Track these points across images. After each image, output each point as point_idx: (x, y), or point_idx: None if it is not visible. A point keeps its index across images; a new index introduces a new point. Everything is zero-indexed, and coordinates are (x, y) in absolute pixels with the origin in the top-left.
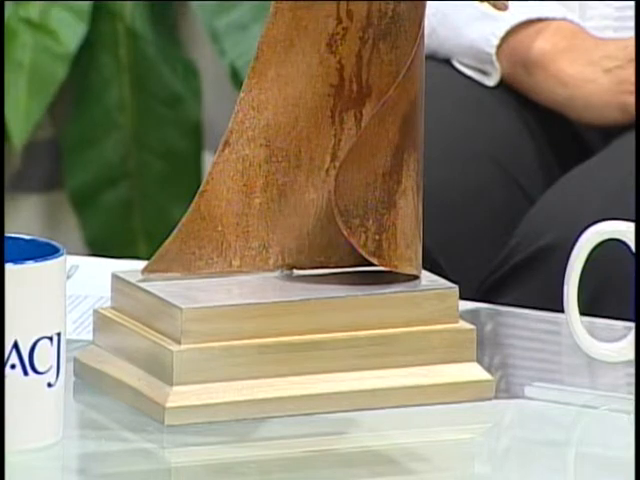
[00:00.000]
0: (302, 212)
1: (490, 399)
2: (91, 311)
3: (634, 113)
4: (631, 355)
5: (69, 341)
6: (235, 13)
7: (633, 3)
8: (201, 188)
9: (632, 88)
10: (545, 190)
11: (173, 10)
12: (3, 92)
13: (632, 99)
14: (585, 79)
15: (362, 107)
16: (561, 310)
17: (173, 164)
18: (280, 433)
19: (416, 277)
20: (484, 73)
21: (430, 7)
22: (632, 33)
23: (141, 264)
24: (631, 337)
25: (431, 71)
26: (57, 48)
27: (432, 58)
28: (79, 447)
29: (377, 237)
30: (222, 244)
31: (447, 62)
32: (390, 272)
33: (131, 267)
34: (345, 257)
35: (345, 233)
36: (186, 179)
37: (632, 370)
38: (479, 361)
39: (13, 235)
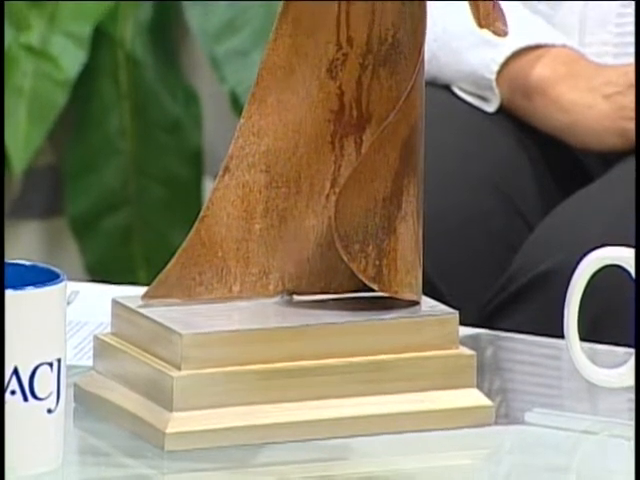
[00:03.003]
0: (302, 238)
1: (490, 425)
2: (91, 337)
3: (634, 139)
4: (630, 381)
5: (69, 367)
6: (235, 39)
7: (632, 29)
8: (201, 214)
9: (632, 114)
10: (545, 216)
11: (173, 37)
12: (3, 118)
13: (632, 125)
14: (585, 105)
15: (362, 133)
16: (561, 336)
17: (173, 190)
18: (279, 459)
19: (416, 303)
20: (484, 99)
21: (430, 33)
22: (631, 59)
23: (141, 290)
24: (631, 363)
25: (431, 97)
26: (57, 74)
27: (432, 84)
28: (79, 473)
29: (377, 263)
30: (222, 270)
31: (447, 88)
32: (390, 298)
33: (131, 293)
34: (345, 283)
35: (345, 259)
36: (186, 205)
37: (632, 396)
38: (479, 386)
39: (13, 261)
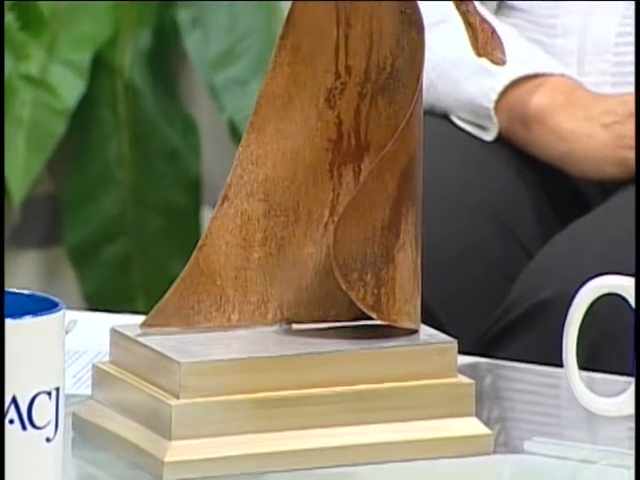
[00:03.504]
0: (301, 266)
1: (489, 454)
2: (90, 366)
3: (632, 168)
4: (630, 410)
5: (68, 396)
6: (234, 68)
7: (630, 59)
8: (200, 242)
9: (630, 143)
10: (544, 245)
11: (172, 66)
12: (3, 148)
13: (630, 154)
14: (583, 134)
15: (360, 161)
16: (560, 364)
17: (172, 219)
18: None
19: (415, 331)
20: (482, 128)
21: (429, 62)
22: (630, 88)
23: (140, 319)
24: (630, 392)
25: (429, 126)
26: (56, 104)
27: (430, 113)
28: None
29: (376, 291)
30: (221, 298)
31: (445, 117)
32: (389, 326)
33: (130, 321)
34: (344, 311)
35: (344, 287)
36: (185, 234)
37: (632, 424)
38: (478, 415)
39: (12, 290)
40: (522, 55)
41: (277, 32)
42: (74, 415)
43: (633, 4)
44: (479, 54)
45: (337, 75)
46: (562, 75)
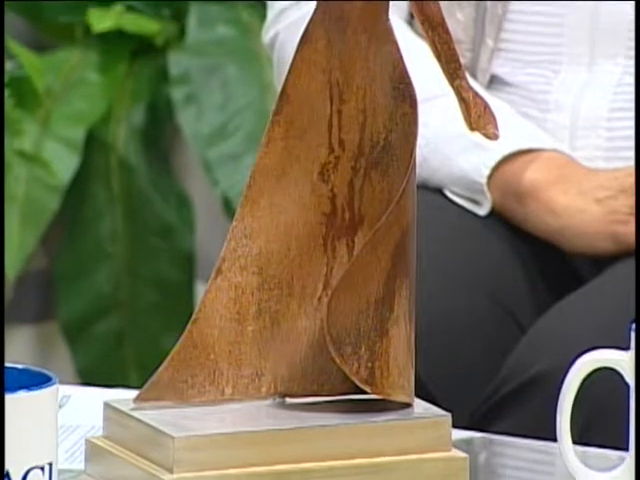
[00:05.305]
0: (294, 340)
1: None
2: (83, 440)
3: (625, 243)
4: None
5: (61, 471)
6: (227, 144)
7: (622, 134)
8: (193, 316)
9: (623, 218)
10: (537, 319)
11: (166, 141)
12: (3, 226)
13: (623, 229)
14: (576, 209)
15: (354, 235)
16: (554, 438)
17: (165, 294)
18: None
19: (409, 405)
20: (475, 202)
21: (422, 137)
22: (622, 163)
23: (133, 393)
24: (623, 467)
25: (422, 200)
26: (50, 179)
27: (423, 187)
28: None
29: (370, 365)
30: (214, 372)
31: (438, 191)
32: (383, 400)
33: (123, 396)
34: (337, 385)
35: (337, 361)
36: (178, 309)
37: None
38: None
39: (6, 364)
40: (515, 130)
41: (270, 108)
42: None
43: (626, 79)
44: (472, 129)
45: (331, 149)
46: (555, 150)
